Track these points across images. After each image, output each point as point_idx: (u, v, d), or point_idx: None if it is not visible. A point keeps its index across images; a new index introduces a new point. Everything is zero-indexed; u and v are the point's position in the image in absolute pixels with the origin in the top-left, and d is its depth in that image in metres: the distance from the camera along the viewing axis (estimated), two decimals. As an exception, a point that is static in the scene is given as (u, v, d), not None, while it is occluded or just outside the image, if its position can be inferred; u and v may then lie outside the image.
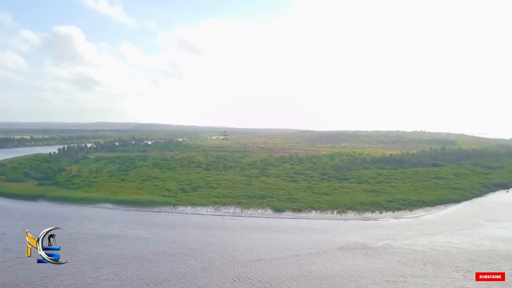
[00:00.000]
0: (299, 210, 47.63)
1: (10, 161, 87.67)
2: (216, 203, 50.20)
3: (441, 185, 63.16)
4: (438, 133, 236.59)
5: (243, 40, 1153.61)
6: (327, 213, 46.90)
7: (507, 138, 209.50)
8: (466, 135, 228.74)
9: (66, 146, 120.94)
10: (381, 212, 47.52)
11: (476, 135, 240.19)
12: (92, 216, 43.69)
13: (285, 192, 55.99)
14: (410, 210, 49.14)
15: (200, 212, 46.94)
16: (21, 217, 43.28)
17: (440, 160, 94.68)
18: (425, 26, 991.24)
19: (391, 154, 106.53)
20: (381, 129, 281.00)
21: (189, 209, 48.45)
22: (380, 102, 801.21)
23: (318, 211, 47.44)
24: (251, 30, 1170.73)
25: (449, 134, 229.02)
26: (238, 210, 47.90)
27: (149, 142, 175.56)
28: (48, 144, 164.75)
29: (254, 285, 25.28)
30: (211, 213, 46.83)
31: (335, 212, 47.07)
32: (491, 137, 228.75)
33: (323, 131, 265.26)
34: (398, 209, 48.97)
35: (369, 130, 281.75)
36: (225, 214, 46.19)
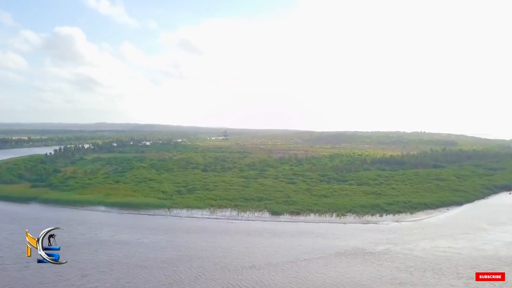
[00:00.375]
0: (297, 213, 46.36)
1: (6, 162, 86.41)
2: (212, 205, 48.96)
3: (442, 187, 61.92)
4: (438, 134, 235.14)
5: (244, 40, 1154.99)
6: (325, 216, 45.63)
7: (507, 139, 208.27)
8: (466, 136, 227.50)
9: (62, 147, 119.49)
10: (381, 215, 46.26)
11: (476, 135, 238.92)
12: (84, 220, 42.43)
13: (283, 194, 54.75)
14: (411, 213, 47.87)
15: (195, 215, 45.68)
16: (10, 220, 42.06)
17: (441, 161, 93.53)
18: (426, 27, 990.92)
19: (391, 155, 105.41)
20: (381, 130, 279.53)
21: (184, 212, 47.21)
22: (380, 102, 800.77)
23: (317, 214, 46.18)
24: (252, 30, 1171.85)
25: (449, 134, 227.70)
26: (234, 213, 46.66)
27: (148, 143, 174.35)
28: (46, 145, 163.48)
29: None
30: (206, 216, 45.56)
31: (334, 215, 45.81)
32: (491, 137, 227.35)
33: (323, 131, 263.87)
34: (399, 212, 47.72)
35: (369, 130, 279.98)
36: (220, 217, 44.92)
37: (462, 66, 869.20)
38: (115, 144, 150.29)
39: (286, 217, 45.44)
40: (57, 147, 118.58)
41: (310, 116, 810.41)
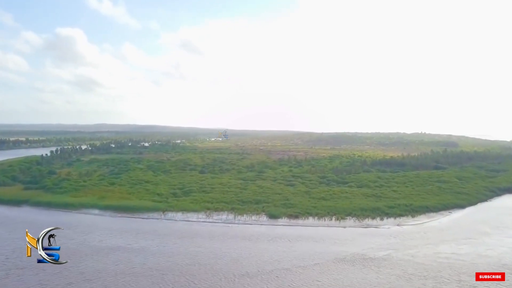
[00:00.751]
0: (296, 217, 45.01)
1: (1, 163, 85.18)
2: (208, 208, 47.62)
3: (444, 189, 60.56)
4: (438, 135, 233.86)
5: (244, 40, 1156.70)
6: (324, 220, 44.28)
7: (508, 140, 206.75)
8: (467, 137, 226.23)
9: (59, 148, 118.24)
10: (382, 219, 44.91)
11: (476, 136, 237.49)
12: (75, 223, 41.07)
13: (281, 197, 53.42)
14: (413, 216, 46.50)
15: (190, 219, 44.33)
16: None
17: (442, 162, 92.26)
18: (426, 28, 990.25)
19: (391, 156, 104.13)
20: (381, 131, 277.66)
21: (179, 215, 45.86)
22: (381, 103, 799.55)
23: (316, 218, 44.81)
24: (252, 30, 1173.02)
25: (449, 135, 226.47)
26: (230, 216, 45.33)
27: (146, 144, 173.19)
28: (43, 146, 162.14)
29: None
30: (202, 220, 44.21)
31: (334, 218, 44.47)
32: (492, 138, 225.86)
33: (323, 132, 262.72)
34: (400, 215, 46.34)
35: (369, 131, 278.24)
36: (216, 221, 43.59)
37: (462, 67, 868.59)
38: (113, 145, 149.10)
39: (284, 220, 44.09)
40: (54, 148, 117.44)
41: (310, 117, 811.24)
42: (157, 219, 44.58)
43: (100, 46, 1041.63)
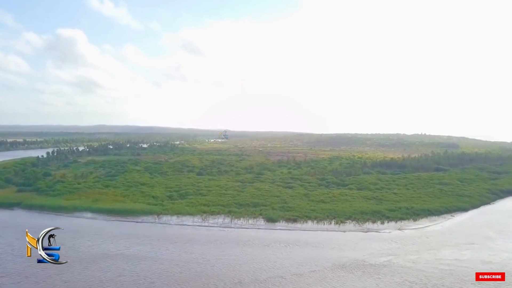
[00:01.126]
0: (294, 220, 43.75)
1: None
2: (204, 212, 46.32)
3: (446, 191, 59.37)
4: (439, 136, 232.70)
5: (245, 41, 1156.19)
6: (324, 224, 43.01)
7: (509, 141, 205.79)
8: (467, 138, 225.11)
9: (55, 149, 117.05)
10: (382, 223, 43.63)
11: (477, 138, 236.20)
12: (66, 228, 39.30)
13: (279, 200, 52.23)
14: (414, 220, 45.28)
15: (185, 223, 43.09)
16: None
17: (443, 164, 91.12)
18: (426, 29, 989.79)
19: (392, 157, 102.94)
20: (381, 132, 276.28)
21: (174, 219, 44.62)
22: (381, 104, 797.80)
23: (314, 221, 43.56)
24: (253, 32, 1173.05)
25: (450, 137, 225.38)
26: (227, 220, 44.07)
27: (145, 145, 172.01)
28: (41, 147, 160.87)
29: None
30: (197, 223, 42.92)
31: (333, 222, 43.22)
32: (492, 140, 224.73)
33: (322, 134, 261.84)
34: (402, 218, 45.11)
35: (369, 132, 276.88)
36: (212, 225, 42.32)
37: (462, 68, 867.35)
38: (111, 147, 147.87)
39: (282, 224, 42.83)
40: (51, 150, 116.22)
41: (310, 118, 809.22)
42: (151, 223, 43.31)
43: (100, 47, 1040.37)
